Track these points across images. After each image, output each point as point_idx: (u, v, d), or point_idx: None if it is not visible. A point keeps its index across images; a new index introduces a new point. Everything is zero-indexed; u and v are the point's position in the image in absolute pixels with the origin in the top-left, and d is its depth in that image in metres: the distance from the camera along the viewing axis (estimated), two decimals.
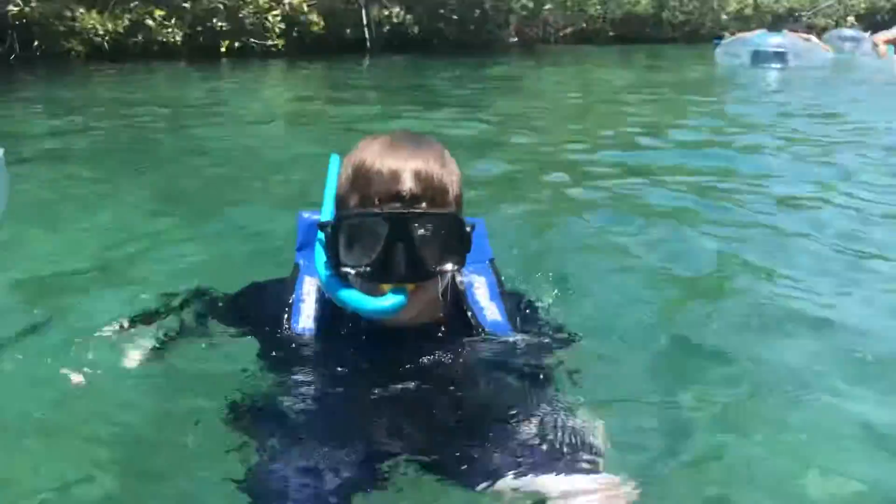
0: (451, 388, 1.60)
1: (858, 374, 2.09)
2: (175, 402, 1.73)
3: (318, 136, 6.55)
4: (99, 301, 2.44)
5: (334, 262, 1.50)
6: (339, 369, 1.61)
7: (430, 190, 1.49)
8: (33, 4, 12.07)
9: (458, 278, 1.68)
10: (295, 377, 1.61)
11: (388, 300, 1.46)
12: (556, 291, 2.30)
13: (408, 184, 1.47)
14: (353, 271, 1.47)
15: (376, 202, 1.47)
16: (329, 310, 1.61)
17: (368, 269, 1.46)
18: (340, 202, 1.57)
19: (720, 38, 18.18)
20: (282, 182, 4.61)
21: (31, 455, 1.65)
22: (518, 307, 1.75)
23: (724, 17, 29.85)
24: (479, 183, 4.18)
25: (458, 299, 1.67)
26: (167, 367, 1.76)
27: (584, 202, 4.04)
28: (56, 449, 1.67)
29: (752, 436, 1.78)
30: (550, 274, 2.59)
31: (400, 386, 1.56)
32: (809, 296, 2.66)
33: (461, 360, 1.63)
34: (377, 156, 1.50)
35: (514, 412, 1.54)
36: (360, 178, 1.50)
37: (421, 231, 1.45)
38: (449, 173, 1.54)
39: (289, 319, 1.65)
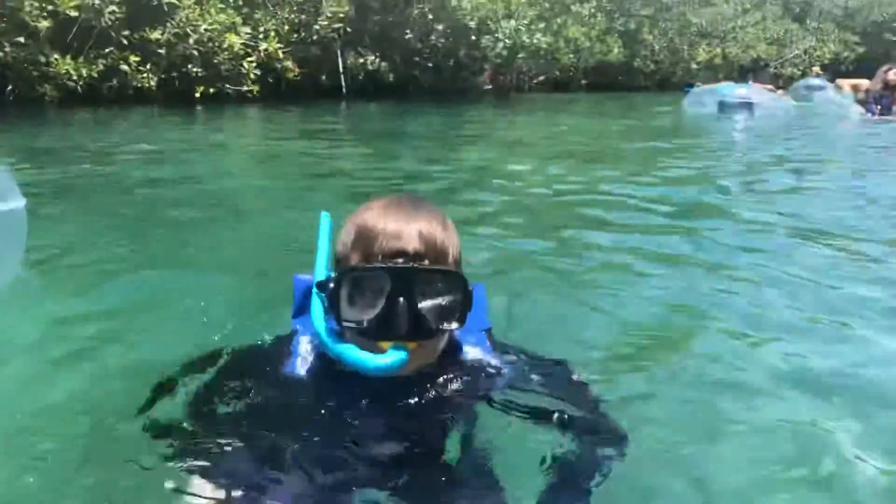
0: (441, 440, 1.60)
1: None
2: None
3: (294, 182, 6.58)
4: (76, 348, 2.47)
5: (334, 318, 1.50)
6: (332, 421, 1.58)
7: (433, 251, 1.50)
8: (7, 49, 12.10)
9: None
10: (289, 430, 1.59)
11: (389, 357, 1.45)
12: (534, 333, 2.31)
13: (411, 242, 1.48)
14: (354, 326, 1.47)
15: (379, 258, 1.48)
16: (324, 365, 1.61)
17: (369, 325, 1.46)
18: (341, 262, 1.57)
19: (691, 85, 18.59)
20: (256, 226, 4.63)
21: None
22: (512, 363, 1.74)
23: (694, 66, 30.60)
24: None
25: (452, 351, 1.66)
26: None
27: (557, 242, 4.08)
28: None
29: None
30: (525, 320, 2.63)
31: (391, 436, 1.56)
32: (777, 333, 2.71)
33: (451, 412, 1.62)
34: (380, 216, 1.52)
35: (491, 467, 1.55)
36: (363, 238, 1.51)
37: (423, 287, 1.46)
38: (449, 237, 1.56)
39: (284, 374, 1.64)
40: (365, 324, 1.46)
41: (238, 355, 1.78)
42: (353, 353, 1.47)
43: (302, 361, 1.64)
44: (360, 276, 1.48)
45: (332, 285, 1.49)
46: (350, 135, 11.32)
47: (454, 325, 1.50)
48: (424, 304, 1.46)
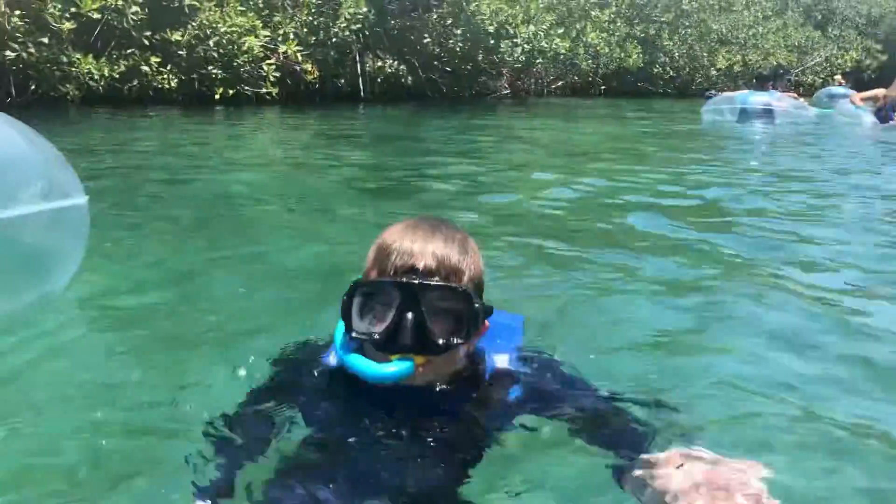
0: (456, 451, 1.62)
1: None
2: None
3: (310, 184, 6.63)
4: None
5: (347, 329, 1.56)
6: (351, 428, 1.62)
7: (445, 270, 1.54)
8: (31, 50, 12.24)
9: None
10: (313, 434, 1.64)
11: (393, 367, 1.50)
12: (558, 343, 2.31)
13: (424, 260, 1.53)
14: (364, 338, 1.53)
15: (391, 274, 1.54)
16: (350, 374, 1.65)
17: (377, 337, 1.51)
18: (361, 278, 1.63)
19: (710, 91, 18.43)
20: (272, 228, 4.68)
21: None
22: (538, 374, 1.76)
23: (713, 72, 30.43)
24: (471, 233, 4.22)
25: (478, 366, 1.70)
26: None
27: (565, 252, 4.07)
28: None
29: None
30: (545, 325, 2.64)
31: (406, 445, 1.59)
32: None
33: (469, 422, 1.65)
34: (399, 235, 1.59)
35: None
36: (381, 255, 1.58)
37: (431, 302, 1.51)
38: (466, 259, 1.59)
39: (312, 380, 1.70)
40: (376, 336, 1.52)
41: (277, 358, 1.85)
42: (359, 362, 1.53)
43: (331, 369, 1.70)
44: (369, 289, 1.55)
45: (345, 298, 1.55)
46: (369, 139, 11.34)
47: (459, 342, 1.54)
48: (431, 320, 1.51)
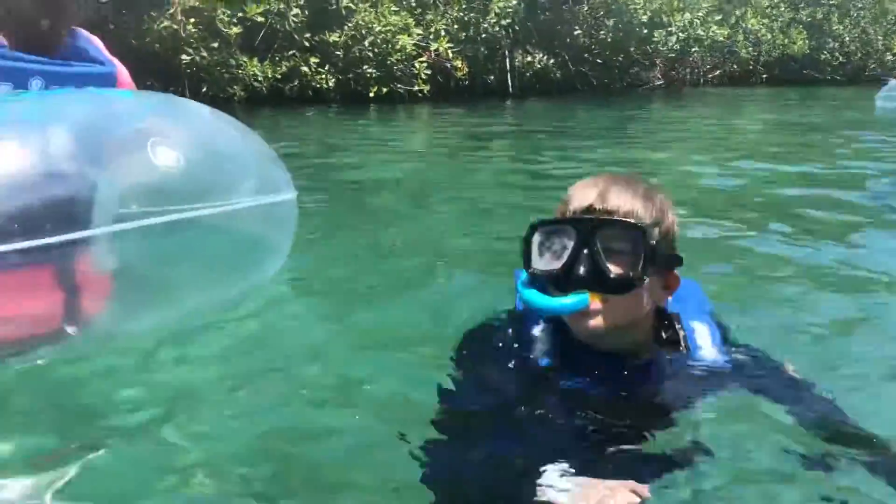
0: (657, 416, 1.63)
1: None
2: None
3: (469, 176, 6.71)
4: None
5: (526, 267, 1.63)
6: (564, 399, 1.64)
7: (622, 213, 1.57)
8: (203, 54, 13.09)
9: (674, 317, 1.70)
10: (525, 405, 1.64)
11: (570, 299, 1.54)
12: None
13: (603, 203, 1.57)
14: (541, 274, 1.60)
15: (571, 215, 1.62)
16: (555, 344, 1.69)
17: (554, 273, 1.57)
18: None
19: (886, 80, 16.97)
20: (435, 214, 4.84)
21: None
22: (742, 353, 1.73)
23: (889, 57, 28.16)
24: None
25: (670, 324, 1.70)
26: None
27: (723, 241, 3.91)
28: None
29: None
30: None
31: (613, 414, 1.60)
32: None
33: (670, 389, 1.66)
34: (582, 184, 1.67)
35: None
36: (563, 202, 1.66)
37: (606, 238, 1.54)
38: (649, 206, 1.60)
39: (517, 354, 1.71)
40: (553, 272, 1.56)
41: (472, 342, 1.83)
42: (534, 296, 1.57)
43: (536, 342, 1.71)
44: (548, 228, 1.60)
45: (525, 236, 1.62)
46: (522, 132, 11.31)
47: (634, 277, 1.53)
48: (606, 256, 1.53)
